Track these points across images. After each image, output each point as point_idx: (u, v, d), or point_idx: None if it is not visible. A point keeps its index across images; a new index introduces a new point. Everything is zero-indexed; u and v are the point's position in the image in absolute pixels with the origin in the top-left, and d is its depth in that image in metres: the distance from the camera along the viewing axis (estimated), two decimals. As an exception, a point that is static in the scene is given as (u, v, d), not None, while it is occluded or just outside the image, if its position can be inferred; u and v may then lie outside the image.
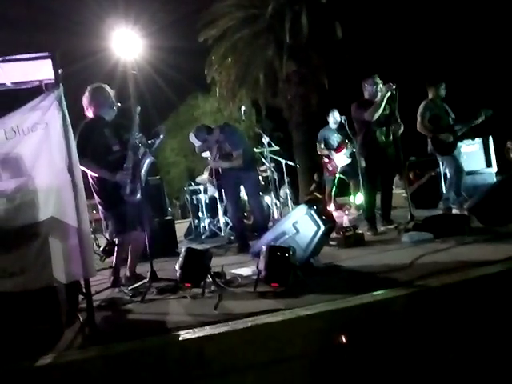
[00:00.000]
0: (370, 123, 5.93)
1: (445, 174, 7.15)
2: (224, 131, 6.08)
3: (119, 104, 4.50)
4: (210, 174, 7.78)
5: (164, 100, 22.15)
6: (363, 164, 6.24)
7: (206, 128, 6.14)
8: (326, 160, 8.53)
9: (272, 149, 7.75)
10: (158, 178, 7.88)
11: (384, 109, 5.89)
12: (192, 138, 6.04)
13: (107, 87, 4.51)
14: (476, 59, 17.17)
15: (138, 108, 4.40)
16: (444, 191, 7.11)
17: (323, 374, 2.74)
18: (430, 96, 6.89)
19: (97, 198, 4.41)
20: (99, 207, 4.46)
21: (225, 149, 6.05)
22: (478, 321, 2.99)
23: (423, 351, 2.85)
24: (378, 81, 6.06)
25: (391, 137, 6.05)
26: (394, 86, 5.80)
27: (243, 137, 6.66)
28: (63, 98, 3.18)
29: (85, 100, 4.48)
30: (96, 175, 4.33)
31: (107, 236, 4.74)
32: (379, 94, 5.94)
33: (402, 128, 6.07)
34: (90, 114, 4.47)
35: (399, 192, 9.92)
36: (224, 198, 7.21)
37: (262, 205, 6.68)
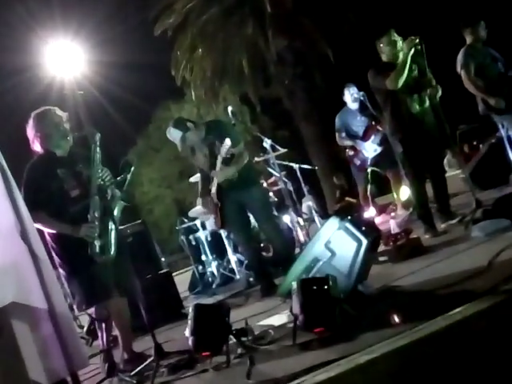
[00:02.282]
0: (396, 92, 5.93)
1: (509, 138, 7.11)
2: (213, 127, 6.18)
3: (74, 133, 4.53)
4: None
5: (125, 123, 22.40)
6: (399, 148, 6.22)
7: (186, 122, 6.18)
8: (351, 152, 8.54)
9: (278, 153, 7.78)
10: (139, 221, 7.89)
11: (411, 70, 5.91)
12: (172, 134, 6.08)
13: (57, 110, 4.53)
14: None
15: (98, 135, 4.42)
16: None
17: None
18: (469, 41, 6.88)
19: (57, 260, 4.39)
20: (60, 271, 4.42)
21: (216, 150, 5.92)
22: None
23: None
24: (396, 37, 6.10)
25: (427, 103, 6.05)
26: (417, 40, 5.81)
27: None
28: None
29: (29, 131, 4.50)
30: (54, 232, 4.34)
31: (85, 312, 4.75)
32: (400, 53, 5.97)
33: (440, 90, 6.08)
34: (37, 147, 4.50)
35: (455, 173, 9.93)
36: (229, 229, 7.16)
37: (279, 228, 6.67)
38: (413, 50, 5.84)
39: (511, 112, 6.74)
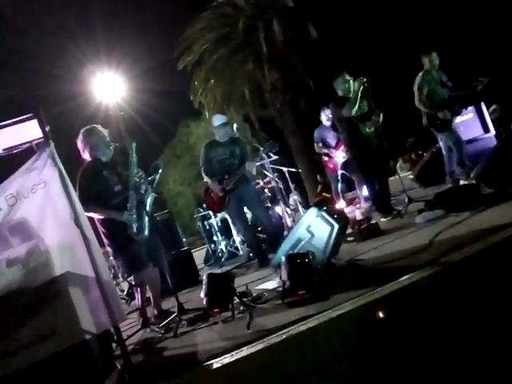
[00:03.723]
0: (352, 119, 6.00)
1: (448, 148, 7.06)
2: (237, 141, 6.22)
3: (116, 144, 4.53)
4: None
5: (155, 136, 22.42)
6: (354, 161, 6.36)
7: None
8: (326, 158, 8.52)
9: (271, 159, 7.76)
10: (166, 211, 7.89)
11: (361, 102, 5.96)
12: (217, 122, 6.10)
13: (100, 127, 4.53)
14: (461, 25, 17.04)
15: (134, 144, 4.41)
16: (447, 165, 7.07)
17: (367, 373, 2.71)
18: (426, 67, 6.75)
19: (106, 241, 4.40)
20: (108, 250, 4.44)
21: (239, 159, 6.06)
22: (507, 286, 2.95)
23: (457, 328, 2.82)
24: (348, 77, 6.13)
25: (372, 128, 6.10)
26: (364, 79, 5.88)
27: None
28: (55, 153, 3.20)
29: (79, 143, 4.50)
30: (103, 218, 4.34)
31: (127, 279, 4.76)
32: (351, 89, 6.01)
33: (382, 117, 6.14)
34: (86, 156, 4.49)
35: (405, 175, 9.93)
36: (231, 217, 7.08)
37: (268, 214, 6.63)
38: (362, 87, 5.89)
39: (447, 131, 6.70)
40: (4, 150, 3.75)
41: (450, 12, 16.81)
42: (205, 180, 6.56)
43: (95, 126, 4.53)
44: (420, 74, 6.75)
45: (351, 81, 6.04)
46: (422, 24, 17.64)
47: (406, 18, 17.59)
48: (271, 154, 7.79)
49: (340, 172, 8.38)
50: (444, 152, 7.00)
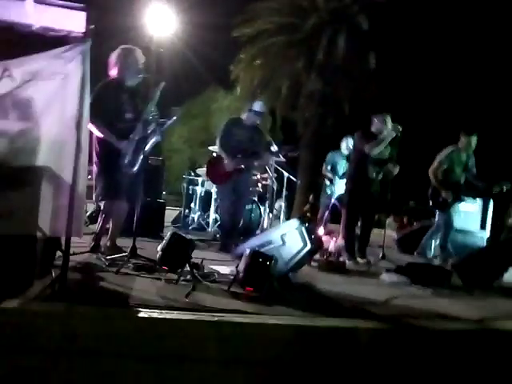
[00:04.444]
0: (367, 157, 6.06)
1: (437, 226, 7.15)
2: (258, 132, 6.30)
3: (146, 74, 4.53)
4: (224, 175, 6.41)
5: (185, 84, 22.08)
6: (346, 196, 6.42)
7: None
8: (328, 183, 8.59)
9: (279, 160, 7.78)
10: (161, 159, 7.90)
11: (386, 148, 6.06)
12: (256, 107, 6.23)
13: (140, 52, 4.54)
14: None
15: (163, 84, 4.40)
16: (425, 239, 7.17)
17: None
18: (460, 145, 6.83)
19: (95, 159, 4.40)
20: (94, 167, 4.44)
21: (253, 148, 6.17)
22: (434, 373, 3.03)
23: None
24: (388, 120, 6.20)
25: (380, 176, 6.18)
26: (400, 129, 6.00)
27: None
28: (88, 53, 3.20)
29: (113, 57, 4.50)
30: (101, 136, 4.35)
31: (98, 202, 4.79)
32: (385, 132, 6.08)
33: (397, 170, 6.20)
34: (113, 72, 4.49)
35: (391, 233, 10.01)
36: (219, 195, 7.08)
37: (241, 209, 6.65)
38: (394, 133, 6.01)
39: (443, 211, 6.80)
40: (41, 27, 3.75)
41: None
42: (214, 150, 6.61)
43: (136, 48, 4.54)
44: (449, 149, 6.83)
45: (389, 124, 6.11)
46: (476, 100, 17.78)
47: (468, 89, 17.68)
48: (280, 155, 7.82)
49: (333, 201, 8.46)
50: (432, 227, 7.13)
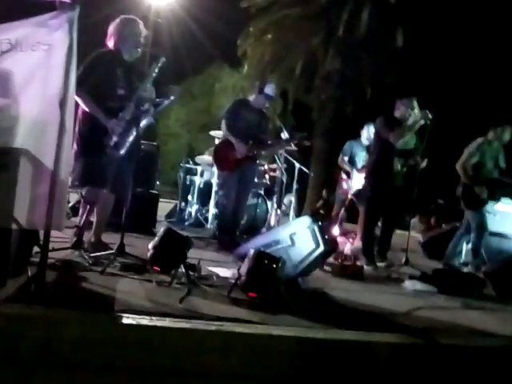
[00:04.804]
0: (392, 146, 6.01)
1: (467, 228, 7.09)
2: (265, 117, 6.34)
3: (146, 49, 4.53)
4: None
5: (184, 60, 21.96)
6: (368, 192, 6.40)
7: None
8: (344, 176, 8.54)
9: (289, 148, 7.74)
10: (155, 144, 7.87)
11: (412, 137, 6.02)
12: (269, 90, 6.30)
13: (141, 25, 4.55)
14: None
15: (163, 59, 4.40)
16: (451, 246, 7.12)
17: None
18: (490, 137, 6.83)
19: (76, 136, 4.34)
20: (74, 146, 4.32)
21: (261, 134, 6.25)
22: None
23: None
24: (415, 105, 6.15)
25: (405, 169, 6.16)
26: (430, 116, 5.89)
27: None
28: (76, 22, 3.17)
29: (111, 28, 4.52)
30: (88, 111, 4.33)
31: (78, 190, 4.77)
32: (411, 119, 6.03)
33: (425, 164, 6.16)
34: (110, 44, 4.51)
35: (415, 235, 10.01)
36: (222, 185, 6.94)
37: (245, 201, 6.65)
38: (423, 121, 5.92)
39: (476, 210, 6.75)
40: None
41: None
42: (216, 135, 6.60)
43: (137, 19, 4.55)
44: (479, 141, 6.81)
45: (416, 110, 6.06)
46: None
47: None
48: (292, 144, 7.77)
49: (350, 197, 8.42)
50: (461, 230, 7.08)
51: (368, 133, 8.24)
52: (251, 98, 6.32)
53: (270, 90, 6.29)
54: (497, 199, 7.00)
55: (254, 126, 6.16)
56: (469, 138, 6.95)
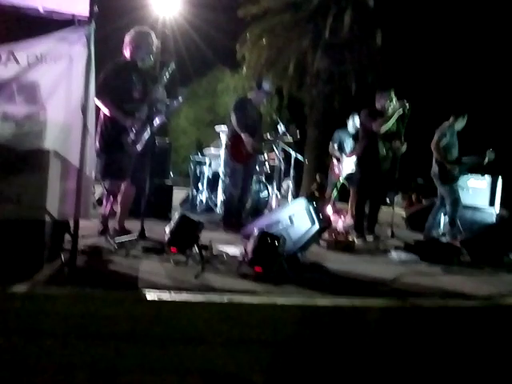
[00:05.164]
0: (376, 134, 6.07)
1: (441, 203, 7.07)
2: (260, 114, 6.34)
3: (158, 58, 4.53)
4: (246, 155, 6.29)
5: (190, 65, 21.85)
6: (357, 174, 6.48)
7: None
8: (335, 162, 8.52)
9: (286, 140, 7.68)
10: (167, 140, 7.85)
11: (392, 124, 6.05)
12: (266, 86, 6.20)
13: (153, 35, 4.54)
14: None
15: (173, 65, 4.39)
16: (429, 220, 7.09)
17: (282, 365, 2.77)
18: (451, 121, 6.83)
19: (98, 137, 4.35)
20: (96, 145, 4.30)
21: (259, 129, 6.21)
22: (445, 350, 3.01)
23: (382, 365, 2.89)
24: (393, 96, 6.19)
25: (390, 153, 6.19)
26: (407, 105, 5.99)
27: None
28: (92, 36, 3.17)
29: (127, 38, 4.51)
30: (108, 114, 4.34)
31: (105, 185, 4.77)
32: (390, 108, 6.10)
33: (405, 148, 6.17)
34: (126, 53, 4.51)
35: (399, 211, 9.99)
36: (230, 175, 6.60)
37: (250, 187, 6.65)
38: (401, 110, 6.01)
39: (451, 185, 6.73)
40: (45, 10, 3.70)
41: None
42: (220, 129, 6.55)
43: (149, 31, 4.54)
44: (446, 124, 6.83)
45: (394, 100, 6.08)
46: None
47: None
48: (287, 135, 7.73)
49: (342, 180, 8.41)
50: (436, 205, 7.06)
51: (353, 122, 8.23)
52: (251, 95, 6.26)
53: (267, 85, 6.24)
54: (465, 173, 7.01)
55: (255, 122, 6.12)
56: (439, 121, 6.93)
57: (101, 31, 3.37)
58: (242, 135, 6.03)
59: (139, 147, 4.35)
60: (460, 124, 6.81)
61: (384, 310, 3.04)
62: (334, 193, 8.61)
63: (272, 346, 2.78)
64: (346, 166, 8.24)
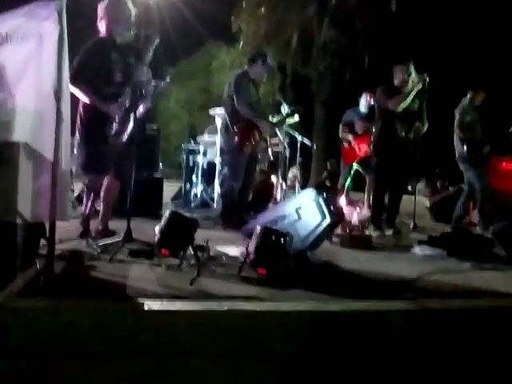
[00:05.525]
0: (393, 114, 6.02)
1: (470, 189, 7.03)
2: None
3: (139, 31, 4.45)
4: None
5: (180, 40, 21.63)
6: (375, 160, 6.44)
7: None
8: (346, 146, 8.50)
9: (291, 121, 7.58)
10: (155, 127, 7.80)
11: (412, 102, 6.01)
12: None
13: (130, 4, 4.45)
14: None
15: (157, 40, 4.33)
16: (457, 210, 7.04)
17: (293, 379, 2.76)
18: (470, 96, 6.84)
19: (78, 126, 4.35)
20: (76, 136, 4.36)
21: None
22: (479, 354, 3.00)
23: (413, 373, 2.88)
24: (412, 69, 6.15)
25: (411, 135, 6.12)
26: (427, 78, 5.95)
27: None
28: (64, 11, 3.12)
29: (100, 10, 4.44)
30: (87, 102, 4.31)
31: (85, 182, 4.76)
32: (410, 83, 6.02)
33: (426, 127, 6.15)
34: (102, 27, 4.44)
35: (422, 199, 9.98)
36: (230, 165, 6.59)
37: (252, 182, 6.64)
38: (420, 85, 5.95)
39: (481, 168, 6.69)
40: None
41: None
42: (215, 113, 6.47)
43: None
44: (466, 101, 6.84)
45: (413, 74, 6.03)
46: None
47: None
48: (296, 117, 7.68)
49: (355, 166, 8.38)
50: (464, 194, 7.02)
51: (366, 100, 8.21)
52: (250, 70, 6.15)
53: (270, 60, 6.17)
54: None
55: (256, 103, 6.09)
56: (457, 99, 6.93)
57: (73, 4, 3.34)
58: (254, 118, 5.96)
59: (124, 138, 4.32)
60: (479, 98, 6.76)
61: (406, 314, 3.02)
62: (348, 181, 8.59)
63: (280, 359, 2.77)
64: (360, 149, 8.23)
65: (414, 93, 5.96)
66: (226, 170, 6.77)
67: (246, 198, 6.44)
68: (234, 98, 5.96)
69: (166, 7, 16.74)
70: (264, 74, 6.19)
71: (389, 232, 6.06)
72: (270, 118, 6.95)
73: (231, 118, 6.10)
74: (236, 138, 5.98)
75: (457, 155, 6.78)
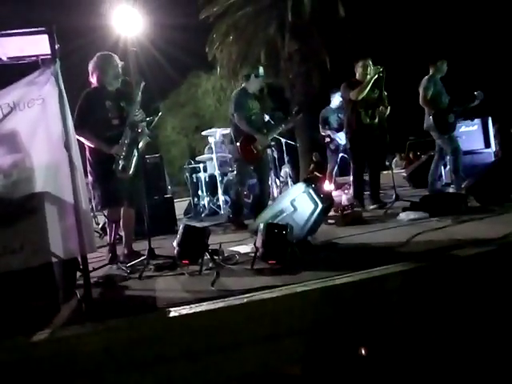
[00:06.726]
0: (356, 103, 6.16)
1: (440, 155, 6.99)
2: (262, 98, 6.33)
3: (125, 77, 4.44)
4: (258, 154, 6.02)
5: (165, 78, 21.87)
6: (348, 144, 6.66)
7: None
8: (328, 139, 8.54)
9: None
10: (157, 155, 7.78)
11: (372, 91, 6.10)
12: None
13: (116, 57, 4.44)
14: (476, 40, 17.09)
15: (142, 84, 4.31)
16: (431, 174, 6.99)
17: (316, 351, 2.74)
18: (432, 71, 6.79)
19: (88, 169, 4.34)
20: (89, 178, 4.35)
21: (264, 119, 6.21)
22: (473, 299, 2.98)
23: (417, 329, 2.85)
24: (369, 63, 6.23)
25: (376, 119, 6.21)
26: (381, 69, 6.00)
27: None
28: (60, 73, 3.13)
29: (91, 66, 4.43)
30: (92, 146, 4.29)
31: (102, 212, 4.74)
32: (368, 76, 6.13)
33: (388, 110, 6.21)
34: (93, 80, 4.43)
35: (399, 171, 9.96)
36: (238, 173, 6.38)
37: (268, 185, 6.55)
38: (376, 76, 6.02)
39: (449, 135, 6.67)
40: (9, 58, 3.68)
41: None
42: (208, 134, 6.41)
43: (112, 54, 4.46)
44: (426, 77, 6.79)
45: (371, 67, 6.12)
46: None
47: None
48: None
49: (340, 155, 8.43)
50: (435, 159, 6.99)
51: (337, 97, 8.25)
52: (247, 86, 6.03)
53: (261, 71, 6.08)
54: (460, 119, 6.98)
55: (259, 114, 6.01)
56: (417, 78, 6.89)
57: (67, 62, 3.33)
58: (252, 133, 5.88)
59: (130, 171, 4.30)
60: (440, 71, 6.73)
61: (404, 274, 2.99)
62: (335, 169, 8.61)
63: (302, 335, 2.75)
64: (341, 138, 8.25)
65: (370, 82, 6.04)
66: (231, 176, 6.80)
67: (266, 201, 6.15)
68: (234, 115, 5.92)
69: (149, 51, 16.75)
70: (259, 85, 6.12)
71: (375, 206, 6.10)
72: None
73: (234, 133, 6.06)
74: (239, 150, 5.95)
75: (425, 126, 6.76)
